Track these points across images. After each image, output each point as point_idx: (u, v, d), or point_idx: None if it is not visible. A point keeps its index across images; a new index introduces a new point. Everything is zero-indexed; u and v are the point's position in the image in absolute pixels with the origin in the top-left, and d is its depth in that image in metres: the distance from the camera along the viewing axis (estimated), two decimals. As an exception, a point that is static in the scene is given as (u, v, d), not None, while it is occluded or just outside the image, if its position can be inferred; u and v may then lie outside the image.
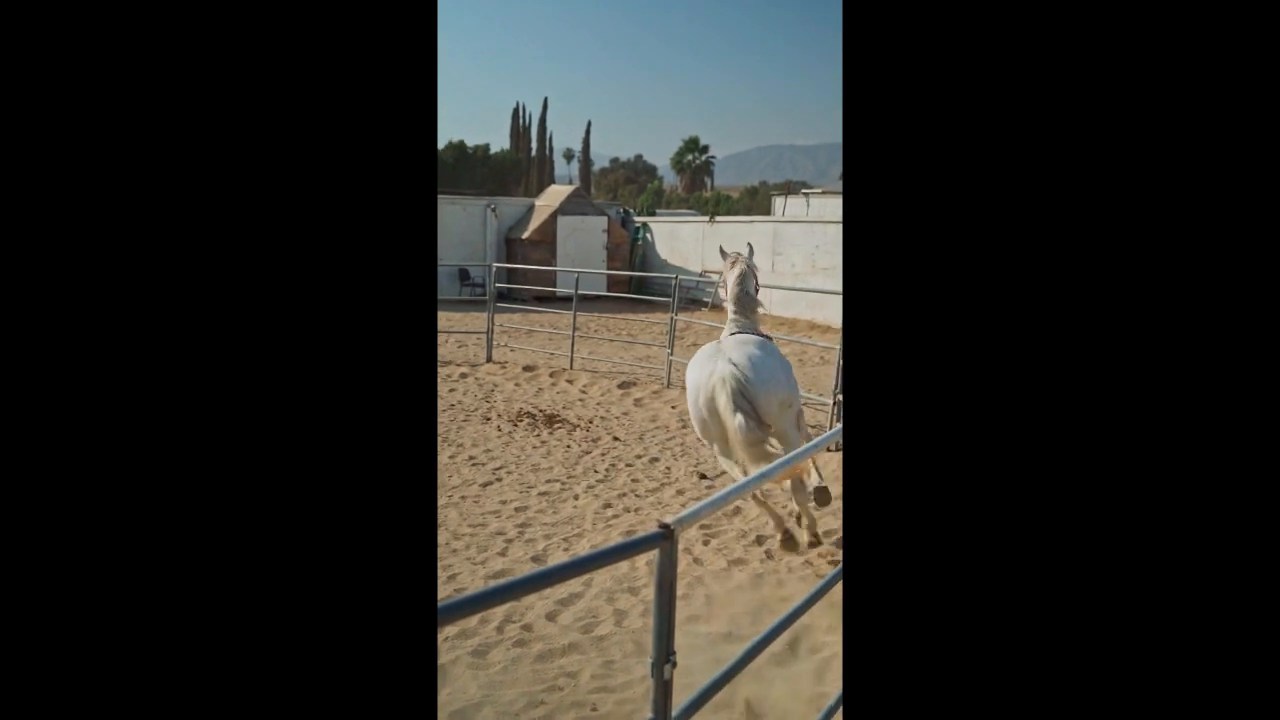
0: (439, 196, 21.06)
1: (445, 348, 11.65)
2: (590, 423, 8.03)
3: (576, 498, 5.90)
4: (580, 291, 10.94)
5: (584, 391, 9.45)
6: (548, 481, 6.23)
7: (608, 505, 5.76)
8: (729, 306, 5.41)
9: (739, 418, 4.55)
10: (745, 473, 4.55)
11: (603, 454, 6.98)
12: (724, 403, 4.62)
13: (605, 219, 20.31)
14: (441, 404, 8.63)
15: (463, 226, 20.06)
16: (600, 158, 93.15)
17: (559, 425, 7.89)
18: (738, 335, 5.10)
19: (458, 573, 4.58)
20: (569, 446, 7.20)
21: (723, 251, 5.80)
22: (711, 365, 4.80)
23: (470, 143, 51.97)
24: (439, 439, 7.29)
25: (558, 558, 4.86)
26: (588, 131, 69.10)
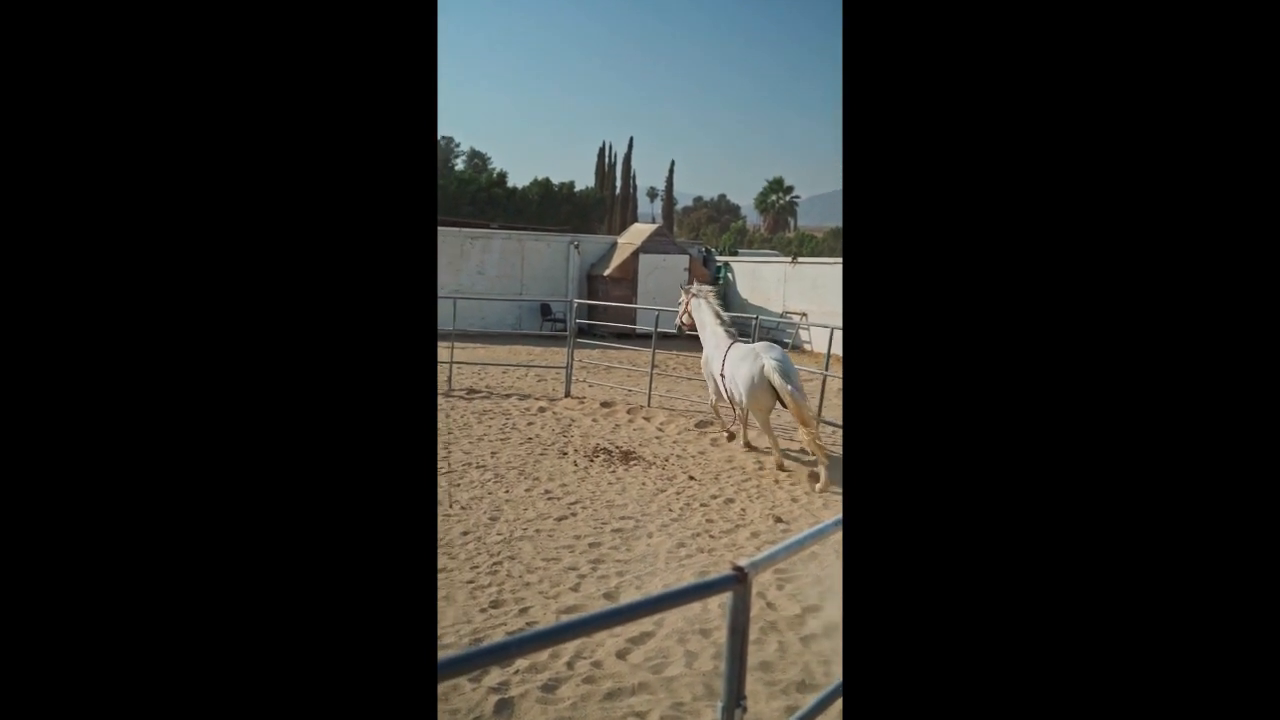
0: (523, 233, 21.50)
1: (525, 381, 11.81)
2: (666, 461, 8.03)
3: (650, 536, 5.88)
4: (660, 329, 10.99)
5: (660, 429, 9.45)
6: (622, 518, 6.23)
7: (681, 545, 5.73)
8: (719, 329, 8.60)
9: (790, 387, 7.42)
10: (769, 429, 7.92)
11: (678, 493, 6.96)
12: (779, 381, 7.46)
13: (687, 257, 20.42)
14: (519, 436, 8.74)
15: (546, 262, 20.40)
16: (684, 196, 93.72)
17: (635, 462, 7.90)
18: (753, 343, 8.46)
19: (530, 606, 4.61)
20: (644, 484, 7.20)
21: (684, 288, 9.03)
22: (758, 360, 7.68)
23: (556, 180, 52.92)
24: (516, 471, 7.37)
25: (630, 595, 4.85)
26: (671, 170, 69.68)
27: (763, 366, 7.55)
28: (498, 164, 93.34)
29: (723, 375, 8.16)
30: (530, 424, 9.43)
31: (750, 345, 8.15)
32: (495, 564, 5.17)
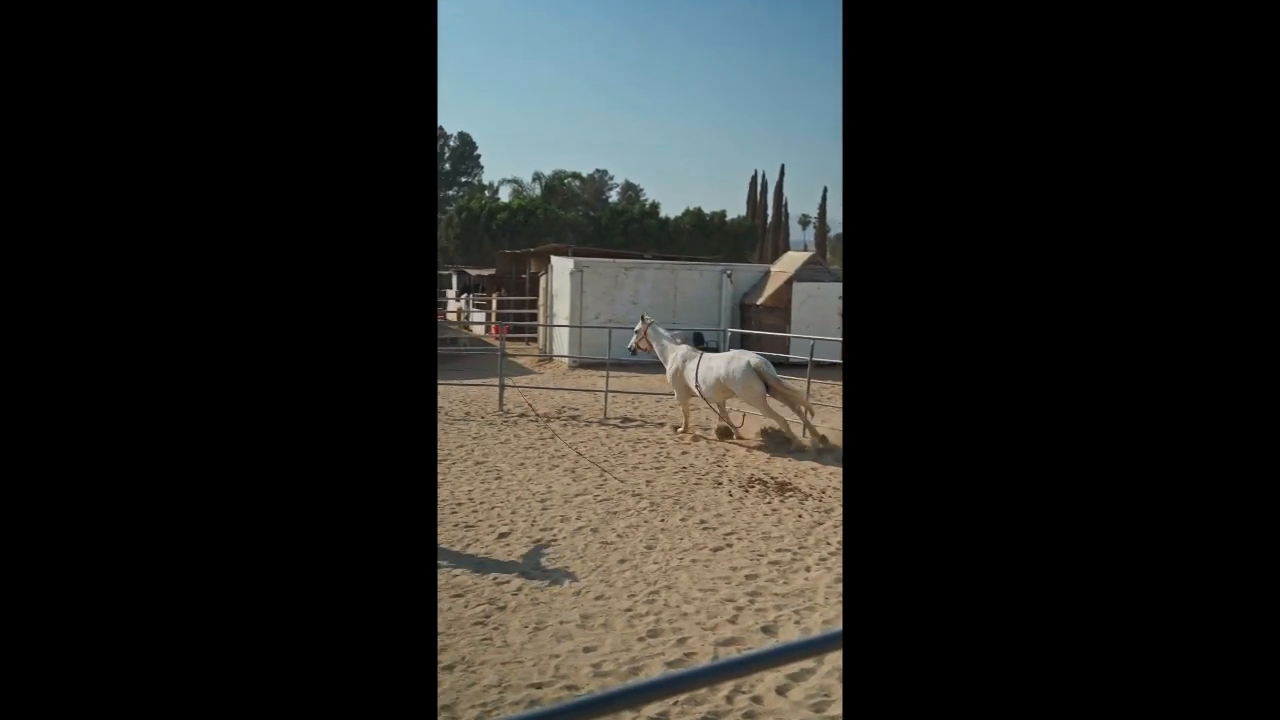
0: (676, 263, 21.70)
1: (679, 410, 11.87)
2: (823, 493, 7.86)
3: (808, 569, 5.76)
4: (814, 358, 10.82)
5: (816, 460, 9.28)
6: (779, 550, 6.14)
7: (840, 580, 5.58)
8: (679, 347, 10.68)
9: (761, 385, 9.43)
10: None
11: (835, 526, 6.80)
12: (769, 371, 9.53)
13: (841, 286, 20.06)
14: (673, 465, 8.77)
15: (698, 292, 20.49)
16: (836, 224, 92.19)
17: (791, 493, 7.78)
18: (720, 351, 10.85)
19: (688, 637, 4.59)
20: (800, 516, 7.07)
21: (644, 318, 11.25)
22: (743, 358, 9.63)
23: (707, 210, 53.25)
24: (671, 500, 7.40)
25: (789, 631, 4.76)
26: (824, 198, 68.88)
27: (748, 361, 9.51)
28: (650, 195, 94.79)
29: (699, 382, 10.00)
30: (684, 453, 9.46)
31: (725, 353, 10.38)
32: (652, 593, 5.19)
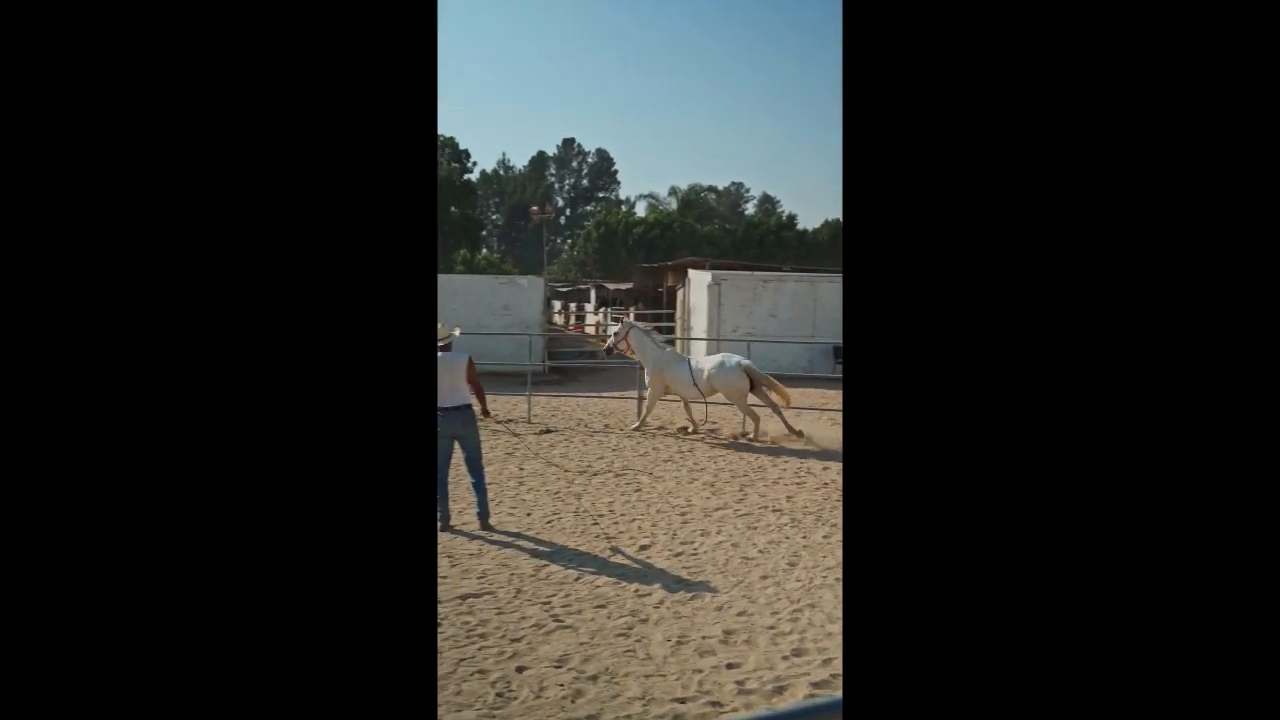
0: (815, 275, 21.37)
1: (818, 425, 11.65)
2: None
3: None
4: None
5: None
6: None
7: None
8: (663, 349, 11.51)
9: (746, 382, 10.61)
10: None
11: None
12: (756, 371, 10.76)
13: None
14: (814, 481, 8.62)
15: (838, 304, 20.09)
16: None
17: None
18: (711, 356, 11.51)
19: (833, 657, 4.47)
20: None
21: (622, 320, 11.05)
22: (732, 358, 10.85)
23: (847, 221, 52.28)
24: (813, 517, 7.26)
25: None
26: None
27: (738, 361, 10.79)
28: (787, 207, 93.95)
29: (694, 381, 10.92)
30: (825, 468, 9.28)
31: (713, 356, 11.47)
32: (796, 611, 5.10)
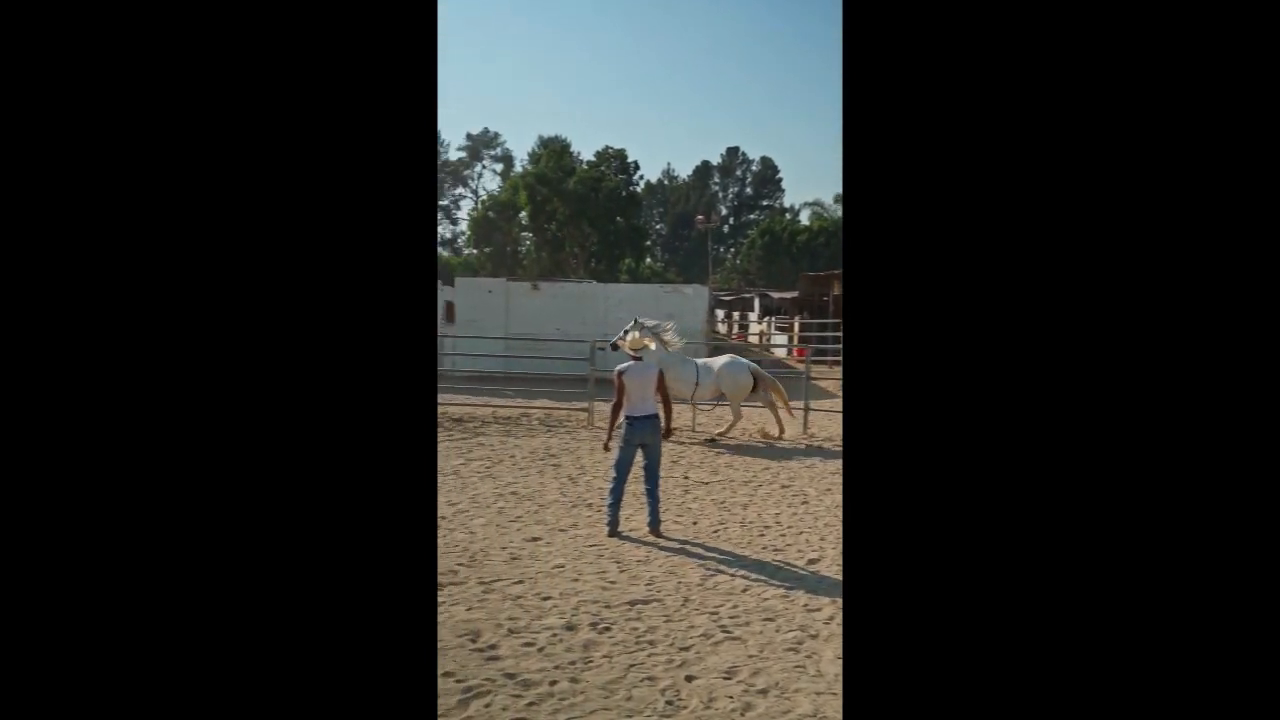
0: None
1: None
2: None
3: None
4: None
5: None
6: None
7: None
8: (672, 354, 11.32)
9: (750, 382, 11.44)
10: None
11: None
12: (762, 372, 11.67)
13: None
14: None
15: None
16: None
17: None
18: (716, 358, 12.22)
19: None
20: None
21: (636, 319, 10.91)
22: (739, 360, 11.72)
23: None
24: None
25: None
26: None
27: (745, 363, 11.67)
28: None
29: (698, 381, 11.49)
30: (1004, 486, 8.84)
31: (720, 356, 12.17)
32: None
